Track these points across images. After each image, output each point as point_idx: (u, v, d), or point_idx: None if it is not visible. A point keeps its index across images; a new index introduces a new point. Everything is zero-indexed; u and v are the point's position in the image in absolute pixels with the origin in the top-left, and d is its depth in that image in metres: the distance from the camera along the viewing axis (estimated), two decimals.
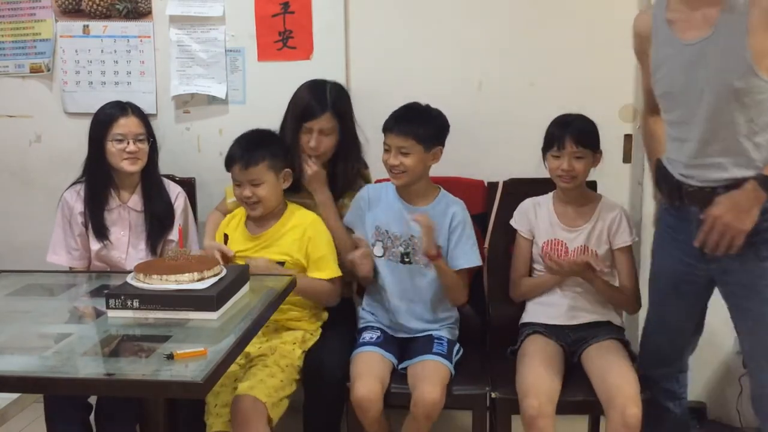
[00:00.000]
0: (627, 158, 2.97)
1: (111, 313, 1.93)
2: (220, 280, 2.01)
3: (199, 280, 1.97)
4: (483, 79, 2.96)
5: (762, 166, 2.01)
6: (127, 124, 2.64)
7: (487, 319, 2.74)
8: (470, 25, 2.94)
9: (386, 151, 2.45)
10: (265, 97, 2.90)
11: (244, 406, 2.21)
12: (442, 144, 2.49)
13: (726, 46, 1.97)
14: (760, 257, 2.05)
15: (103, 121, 2.65)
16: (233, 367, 2.27)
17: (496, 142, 2.97)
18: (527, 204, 2.61)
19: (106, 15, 3.06)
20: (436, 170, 2.54)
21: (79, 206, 2.68)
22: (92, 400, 2.53)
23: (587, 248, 2.50)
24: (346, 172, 2.68)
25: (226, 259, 2.44)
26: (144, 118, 2.72)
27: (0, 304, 2.17)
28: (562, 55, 2.91)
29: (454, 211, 2.51)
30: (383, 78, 2.97)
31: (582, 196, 2.54)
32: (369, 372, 2.34)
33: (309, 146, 2.60)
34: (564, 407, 2.27)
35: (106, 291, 2.00)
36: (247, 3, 2.98)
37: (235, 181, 2.49)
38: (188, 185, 2.91)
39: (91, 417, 2.53)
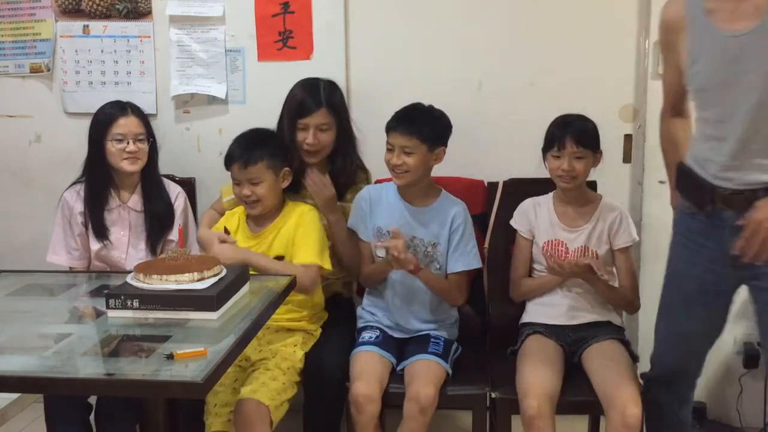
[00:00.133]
0: (627, 158, 2.97)
1: (111, 313, 1.93)
2: (220, 280, 2.00)
3: (199, 280, 1.97)
4: (483, 79, 2.96)
5: None
6: (127, 124, 2.64)
7: (487, 319, 2.74)
8: (470, 25, 2.94)
9: (389, 150, 2.45)
10: (265, 97, 2.90)
11: (248, 410, 2.21)
12: (445, 145, 2.49)
13: None
14: None
15: (102, 120, 2.65)
16: (232, 368, 2.27)
17: (496, 142, 2.97)
18: (527, 204, 2.61)
19: (106, 15, 3.06)
20: (436, 170, 2.54)
21: (79, 206, 2.68)
22: (92, 400, 2.52)
23: (587, 249, 2.50)
24: (345, 167, 2.69)
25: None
26: (144, 118, 2.72)
27: (0, 304, 2.17)
28: (562, 55, 2.91)
29: (455, 212, 2.51)
30: (383, 78, 2.97)
31: (582, 197, 2.54)
32: (367, 371, 2.34)
33: (306, 143, 2.61)
34: (564, 407, 2.27)
35: (106, 291, 1.99)
36: (247, 3, 2.98)
37: (234, 179, 2.49)
38: (188, 185, 2.91)
39: (91, 417, 2.53)
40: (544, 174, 2.54)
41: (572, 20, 2.90)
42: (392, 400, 2.34)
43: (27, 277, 2.40)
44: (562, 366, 2.37)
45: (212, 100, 3.06)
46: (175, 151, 3.04)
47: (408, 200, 2.53)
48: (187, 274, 1.96)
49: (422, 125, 2.42)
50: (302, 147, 2.63)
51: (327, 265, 2.48)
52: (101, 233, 2.66)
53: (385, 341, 2.49)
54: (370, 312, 2.61)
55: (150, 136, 2.70)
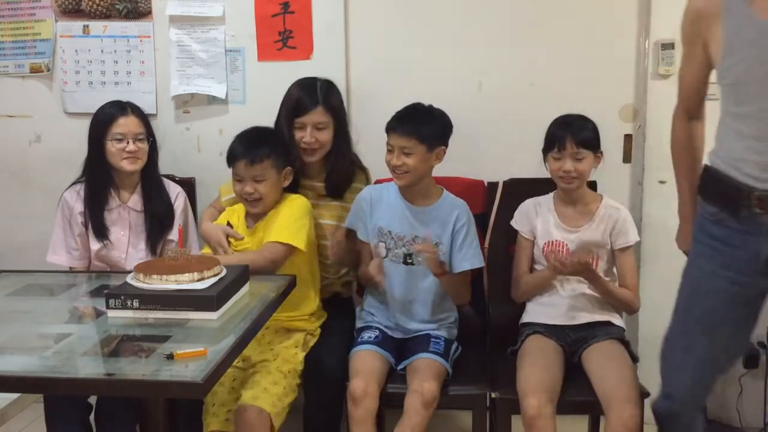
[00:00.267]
0: (627, 158, 2.97)
1: (111, 313, 1.93)
2: (220, 280, 2.01)
3: (199, 280, 1.97)
4: (483, 79, 2.96)
5: None
6: (127, 124, 2.64)
7: (487, 319, 2.74)
8: (470, 25, 2.94)
9: (389, 151, 2.45)
10: (265, 97, 2.90)
11: (250, 417, 2.21)
12: (446, 144, 2.49)
13: None
14: None
15: (102, 120, 2.65)
16: (231, 368, 2.27)
17: (496, 142, 2.97)
18: (528, 204, 2.61)
19: (106, 15, 3.06)
20: (436, 170, 2.54)
21: (79, 206, 2.68)
22: (92, 400, 2.53)
23: (588, 249, 2.50)
24: (338, 166, 2.69)
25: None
26: (144, 118, 2.72)
27: (0, 304, 2.17)
28: (562, 55, 2.91)
29: (458, 212, 2.51)
30: (383, 78, 2.97)
31: (583, 197, 2.53)
32: (365, 368, 2.35)
33: (303, 142, 2.61)
34: (564, 407, 2.27)
35: (106, 291, 2.00)
36: (247, 3, 2.98)
37: (237, 176, 2.48)
38: (188, 185, 2.91)
39: (91, 417, 2.53)
40: (544, 174, 2.55)
41: (572, 20, 2.90)
42: (391, 400, 2.35)
43: (27, 277, 2.40)
44: (562, 366, 2.37)
45: (212, 100, 3.06)
46: (175, 151, 3.04)
47: (409, 200, 2.53)
48: (187, 274, 1.96)
49: (421, 126, 2.42)
50: (299, 146, 2.63)
51: (299, 244, 2.40)
52: (101, 233, 2.66)
53: (384, 341, 2.49)
54: (369, 312, 2.61)
55: (150, 136, 2.70)
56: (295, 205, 2.51)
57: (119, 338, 1.86)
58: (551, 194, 2.60)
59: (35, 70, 3.13)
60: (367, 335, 2.51)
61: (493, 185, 2.79)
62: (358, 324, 2.62)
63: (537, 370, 2.30)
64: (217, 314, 1.91)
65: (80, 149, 2.70)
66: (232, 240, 2.50)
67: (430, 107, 2.50)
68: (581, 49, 2.90)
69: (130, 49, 3.07)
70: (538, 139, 2.52)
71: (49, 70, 3.12)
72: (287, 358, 2.41)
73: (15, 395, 2.18)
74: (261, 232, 2.49)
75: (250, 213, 2.54)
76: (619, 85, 2.92)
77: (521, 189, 2.71)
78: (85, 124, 2.70)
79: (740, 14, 1.82)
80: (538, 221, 2.56)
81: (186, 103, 3.09)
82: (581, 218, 2.53)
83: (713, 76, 1.99)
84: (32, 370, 1.70)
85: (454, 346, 2.52)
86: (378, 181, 2.75)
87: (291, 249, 2.41)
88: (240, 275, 2.09)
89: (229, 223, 2.55)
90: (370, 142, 2.77)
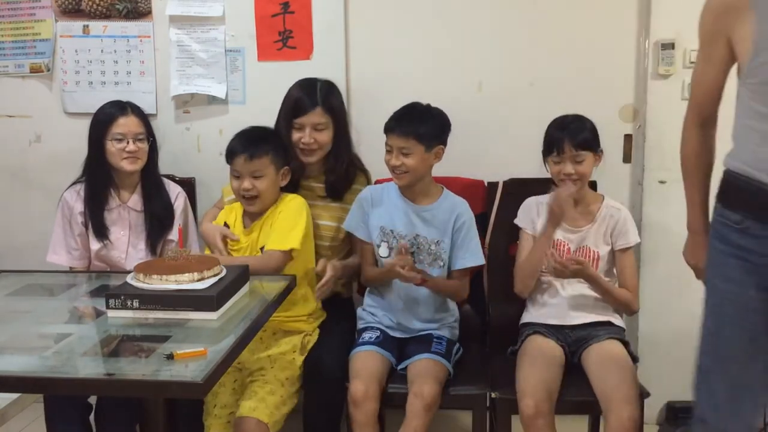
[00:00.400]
0: (627, 158, 2.97)
1: (111, 313, 1.93)
2: (220, 280, 2.01)
3: (199, 280, 1.97)
4: (483, 79, 2.96)
5: None
6: (127, 124, 2.64)
7: (487, 319, 2.74)
8: (470, 25, 2.94)
9: (388, 151, 2.45)
10: (265, 97, 2.90)
11: (248, 429, 2.21)
12: (444, 143, 2.49)
13: None
14: None
15: (102, 120, 2.65)
16: (231, 368, 2.27)
17: (496, 142, 2.97)
18: (531, 202, 2.61)
19: (106, 15, 3.06)
20: (437, 170, 2.54)
21: (79, 206, 2.68)
22: (92, 400, 2.53)
23: (588, 249, 2.50)
24: (337, 167, 2.68)
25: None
26: (144, 118, 2.72)
27: (0, 304, 2.17)
28: (562, 55, 2.91)
29: (459, 211, 2.51)
30: (383, 78, 2.97)
31: (584, 197, 2.53)
32: (366, 369, 2.34)
33: (301, 142, 2.62)
34: (564, 407, 2.27)
35: (106, 291, 2.00)
36: (247, 3, 2.98)
37: (236, 172, 2.48)
38: (188, 185, 2.91)
39: (91, 417, 2.53)
40: (545, 174, 2.55)
41: (572, 20, 2.90)
42: (392, 400, 2.35)
43: (27, 277, 2.41)
44: (561, 366, 2.37)
45: (212, 100, 3.06)
46: (175, 151, 3.04)
47: (410, 199, 2.53)
48: (187, 274, 1.96)
49: (418, 126, 2.42)
50: (298, 146, 2.63)
51: (296, 245, 2.41)
52: (101, 233, 2.66)
53: (385, 341, 2.49)
54: (370, 313, 2.60)
55: (150, 136, 2.70)
56: (292, 207, 2.51)
57: (119, 338, 1.86)
58: (552, 194, 2.59)
59: (35, 70, 3.13)
60: (368, 336, 2.50)
61: (493, 185, 2.79)
62: (360, 324, 2.61)
63: (536, 370, 2.30)
64: (217, 314, 1.91)
65: (80, 149, 2.70)
66: (228, 240, 2.51)
67: (428, 106, 2.50)
68: (581, 49, 2.90)
69: (130, 49, 3.07)
70: (538, 139, 2.52)
71: (49, 70, 3.12)
72: (285, 365, 2.39)
73: (15, 395, 2.18)
74: (257, 232, 2.49)
75: (248, 212, 2.54)
76: (619, 85, 2.92)
77: (521, 189, 2.71)
78: (85, 124, 2.70)
79: None
80: (540, 220, 2.56)
81: (186, 103, 3.09)
82: (582, 218, 2.52)
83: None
84: (32, 370, 1.70)
85: (456, 346, 2.52)
86: (378, 181, 2.75)
87: (291, 253, 2.42)
88: (240, 275, 2.09)
89: (225, 224, 2.55)
90: (371, 142, 2.77)
